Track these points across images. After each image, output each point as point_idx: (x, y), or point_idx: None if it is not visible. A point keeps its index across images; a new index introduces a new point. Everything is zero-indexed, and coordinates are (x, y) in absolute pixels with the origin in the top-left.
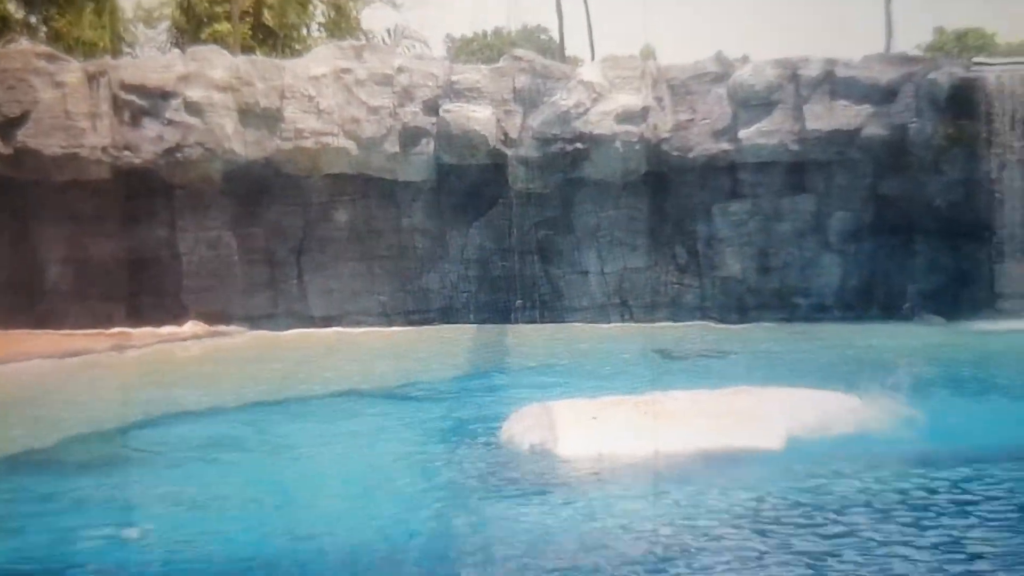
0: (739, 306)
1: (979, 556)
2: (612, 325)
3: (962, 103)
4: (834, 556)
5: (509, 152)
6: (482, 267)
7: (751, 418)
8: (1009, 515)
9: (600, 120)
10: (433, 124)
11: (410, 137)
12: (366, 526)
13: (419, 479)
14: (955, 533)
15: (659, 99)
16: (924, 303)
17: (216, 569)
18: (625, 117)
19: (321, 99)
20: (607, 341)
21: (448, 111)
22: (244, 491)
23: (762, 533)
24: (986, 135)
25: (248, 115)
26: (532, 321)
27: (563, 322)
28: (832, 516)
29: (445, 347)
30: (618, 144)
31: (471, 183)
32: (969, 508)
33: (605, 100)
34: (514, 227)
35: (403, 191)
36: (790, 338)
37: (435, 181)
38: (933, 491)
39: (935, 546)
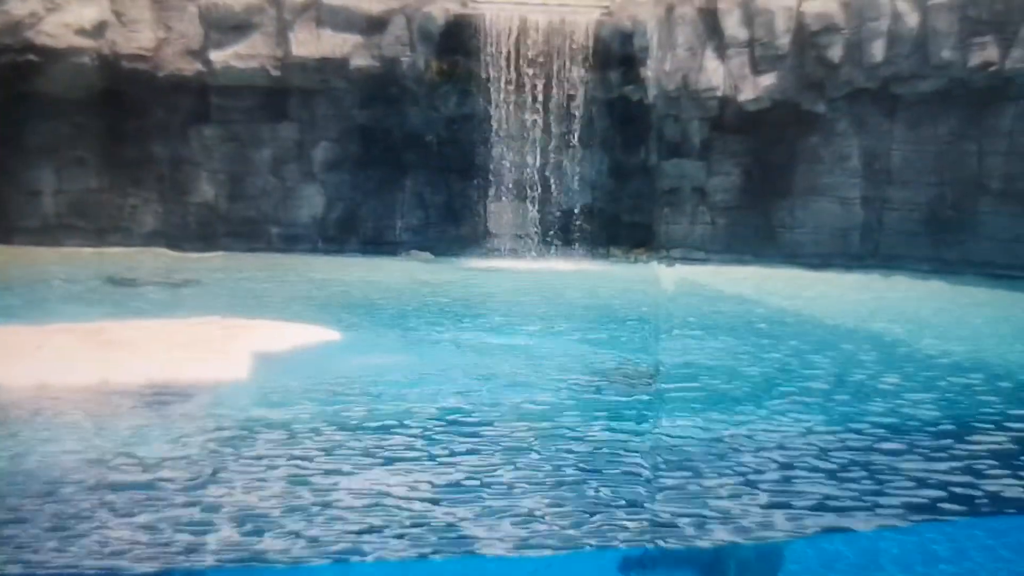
0: (207, 233)
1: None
2: (66, 249)
3: (457, 39)
4: (286, 484)
5: None
6: None
7: (212, 349)
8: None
9: (55, 32)
10: None
11: None
12: None
13: None
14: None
15: (120, 13)
16: (412, 238)
17: None
18: (82, 30)
19: None
20: (57, 266)
21: None
22: None
23: (214, 465)
24: (481, 73)
25: None
26: None
27: (10, 244)
28: (287, 447)
29: None
30: (74, 59)
31: None
32: (432, 436)
33: (62, 11)
34: None
35: None
36: (263, 269)
37: None
38: (388, 427)
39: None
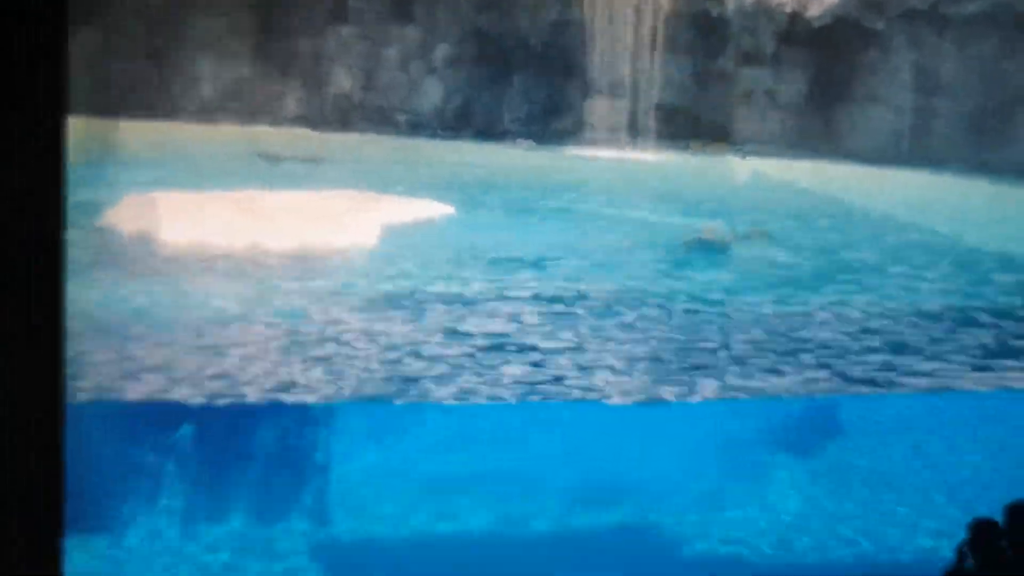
0: (343, 118)
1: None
2: (219, 127)
3: None
4: (404, 347)
5: None
6: (89, 69)
7: (345, 219)
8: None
9: None
10: None
11: None
12: None
13: None
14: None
15: None
16: (518, 128)
17: None
18: None
19: None
20: (213, 142)
21: None
22: None
23: (351, 320)
24: None
25: None
26: (140, 119)
27: (173, 121)
28: (410, 306)
29: None
30: None
31: None
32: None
33: None
34: (129, 31)
35: None
36: (391, 151)
37: None
38: (509, 287)
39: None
